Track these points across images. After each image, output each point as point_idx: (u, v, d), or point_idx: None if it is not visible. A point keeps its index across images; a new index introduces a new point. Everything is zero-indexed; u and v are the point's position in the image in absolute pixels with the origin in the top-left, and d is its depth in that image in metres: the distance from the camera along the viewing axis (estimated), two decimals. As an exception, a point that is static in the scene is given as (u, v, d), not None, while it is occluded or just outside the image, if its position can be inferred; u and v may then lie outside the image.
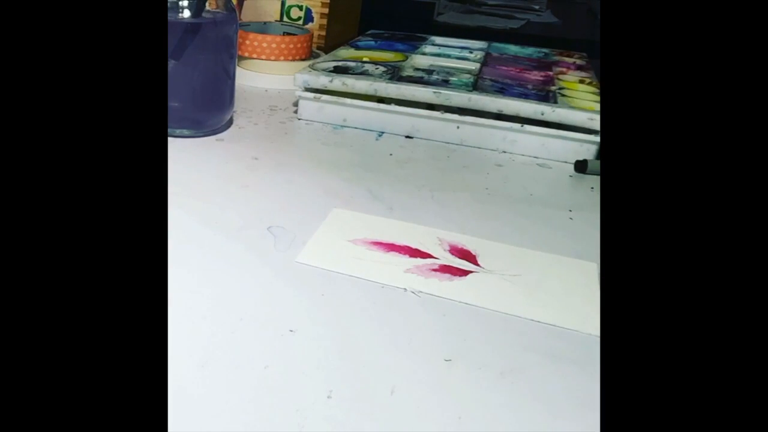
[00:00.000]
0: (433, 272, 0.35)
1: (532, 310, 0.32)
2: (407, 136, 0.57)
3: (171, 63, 0.49)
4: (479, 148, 0.56)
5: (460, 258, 0.36)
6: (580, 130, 0.53)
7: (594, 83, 0.65)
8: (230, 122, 0.56)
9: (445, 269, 0.35)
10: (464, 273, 0.35)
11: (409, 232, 0.39)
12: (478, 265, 0.36)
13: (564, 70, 0.71)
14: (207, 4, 0.50)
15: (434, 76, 0.62)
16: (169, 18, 0.48)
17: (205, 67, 0.50)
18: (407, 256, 0.36)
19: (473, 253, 0.37)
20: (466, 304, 0.32)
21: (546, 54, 0.78)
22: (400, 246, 0.37)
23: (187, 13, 0.49)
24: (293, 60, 0.70)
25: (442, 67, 0.66)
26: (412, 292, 0.33)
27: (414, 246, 0.37)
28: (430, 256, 0.36)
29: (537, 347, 0.30)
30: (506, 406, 0.27)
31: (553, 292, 0.34)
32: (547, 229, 0.42)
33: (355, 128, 0.58)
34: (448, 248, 0.37)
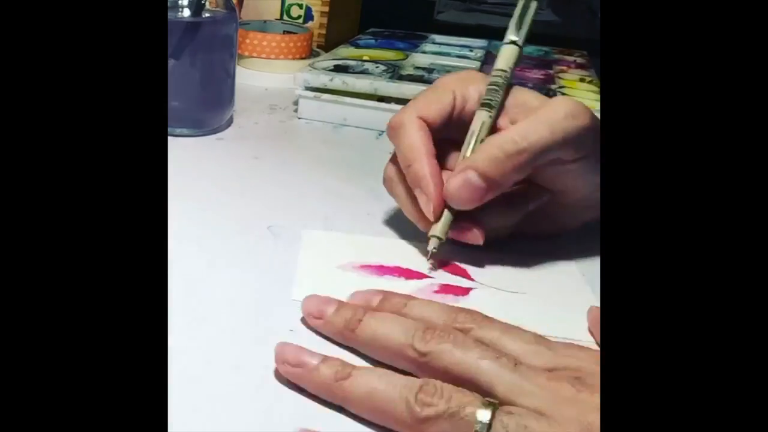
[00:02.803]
0: (437, 294, 0.33)
1: (547, 326, 0.30)
2: (407, 135, 0.57)
3: (171, 62, 0.49)
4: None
5: (452, 274, 0.35)
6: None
7: (594, 81, 0.65)
8: (230, 121, 0.56)
9: (446, 289, 0.34)
10: (465, 291, 0.34)
11: (390, 249, 0.37)
12: (471, 279, 0.35)
13: (564, 68, 0.71)
14: (207, 3, 0.50)
15: (435, 75, 0.62)
16: (169, 17, 0.48)
17: (205, 66, 0.50)
18: (403, 278, 0.35)
19: (462, 266, 0.36)
20: None
21: (546, 52, 0.78)
22: (390, 267, 0.35)
23: (186, 12, 0.49)
24: (293, 59, 0.70)
25: (442, 65, 0.66)
26: None
27: (404, 266, 0.36)
28: (424, 275, 0.35)
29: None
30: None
31: (555, 305, 0.33)
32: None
33: (356, 127, 0.58)
34: (436, 264, 0.36)
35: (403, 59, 0.67)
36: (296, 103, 0.59)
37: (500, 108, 0.36)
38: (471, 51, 0.74)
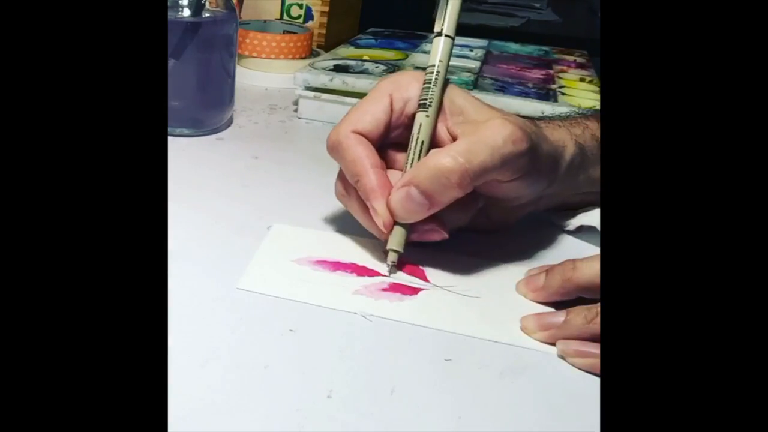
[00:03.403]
0: (383, 292, 0.33)
1: (487, 330, 0.31)
2: (407, 135, 0.57)
3: (171, 62, 0.48)
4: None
5: (408, 274, 0.35)
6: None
7: (594, 81, 0.65)
8: (230, 121, 0.56)
9: (394, 288, 0.34)
10: (414, 291, 0.33)
11: (355, 247, 0.37)
12: (427, 281, 0.35)
13: (564, 68, 0.71)
14: (207, 3, 0.50)
15: (434, 75, 0.62)
16: (168, 17, 0.48)
17: (204, 66, 0.50)
18: (354, 274, 0.34)
19: (421, 268, 0.35)
20: (419, 326, 0.31)
21: (546, 52, 0.78)
22: (346, 264, 0.35)
23: (186, 12, 0.49)
24: (293, 58, 0.70)
25: (442, 65, 0.66)
26: (363, 317, 0.31)
27: (361, 263, 0.35)
28: (377, 273, 0.35)
29: (537, 347, 0.30)
30: (506, 406, 0.27)
31: (508, 307, 0.33)
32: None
33: (356, 127, 0.58)
34: (401, 266, 0.35)
35: (403, 59, 0.67)
36: (296, 103, 0.59)
37: (439, 105, 0.36)
38: (471, 51, 0.74)
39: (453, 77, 0.61)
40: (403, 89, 0.36)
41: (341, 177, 0.37)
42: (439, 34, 0.37)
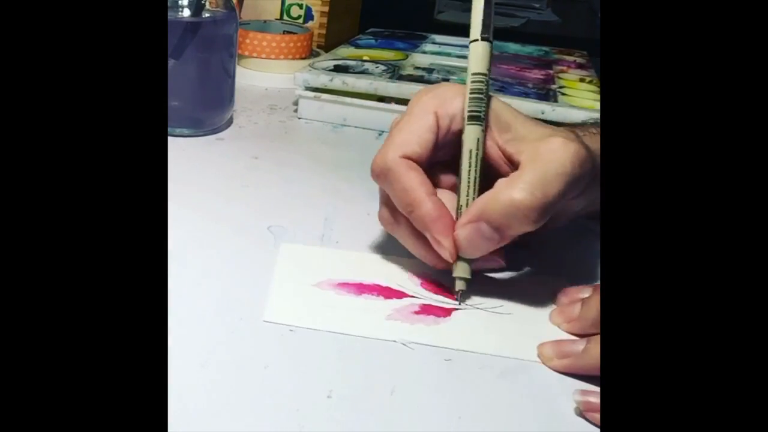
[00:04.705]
0: (417, 315, 0.32)
1: (528, 352, 0.30)
2: (407, 135, 0.57)
3: (171, 62, 0.48)
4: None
5: (435, 293, 0.33)
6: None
7: (594, 82, 0.65)
8: (230, 121, 0.56)
9: (427, 310, 0.32)
10: (447, 312, 0.32)
11: (373, 266, 0.35)
12: (453, 298, 0.33)
13: (564, 68, 0.70)
14: (207, 3, 0.50)
15: (435, 75, 0.62)
16: (168, 17, 0.48)
17: (204, 66, 0.50)
18: (382, 297, 0.33)
19: (446, 284, 0.34)
20: (463, 351, 0.30)
21: (546, 52, 0.78)
22: (370, 286, 0.33)
23: (186, 12, 0.49)
24: (293, 59, 0.70)
25: (442, 65, 0.66)
26: (403, 344, 0.29)
27: (384, 284, 0.34)
28: (405, 294, 0.33)
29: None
30: (506, 406, 0.27)
31: (546, 325, 0.32)
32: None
33: (356, 127, 0.58)
34: (419, 282, 0.34)
35: (403, 59, 0.67)
36: (296, 103, 0.59)
37: (486, 122, 0.33)
38: (471, 51, 0.74)
39: (453, 77, 0.61)
40: (447, 104, 0.34)
41: (387, 204, 0.35)
42: (476, 39, 0.34)
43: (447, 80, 0.60)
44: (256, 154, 0.50)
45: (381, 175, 0.34)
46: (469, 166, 0.33)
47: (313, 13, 0.79)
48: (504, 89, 0.59)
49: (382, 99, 0.57)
